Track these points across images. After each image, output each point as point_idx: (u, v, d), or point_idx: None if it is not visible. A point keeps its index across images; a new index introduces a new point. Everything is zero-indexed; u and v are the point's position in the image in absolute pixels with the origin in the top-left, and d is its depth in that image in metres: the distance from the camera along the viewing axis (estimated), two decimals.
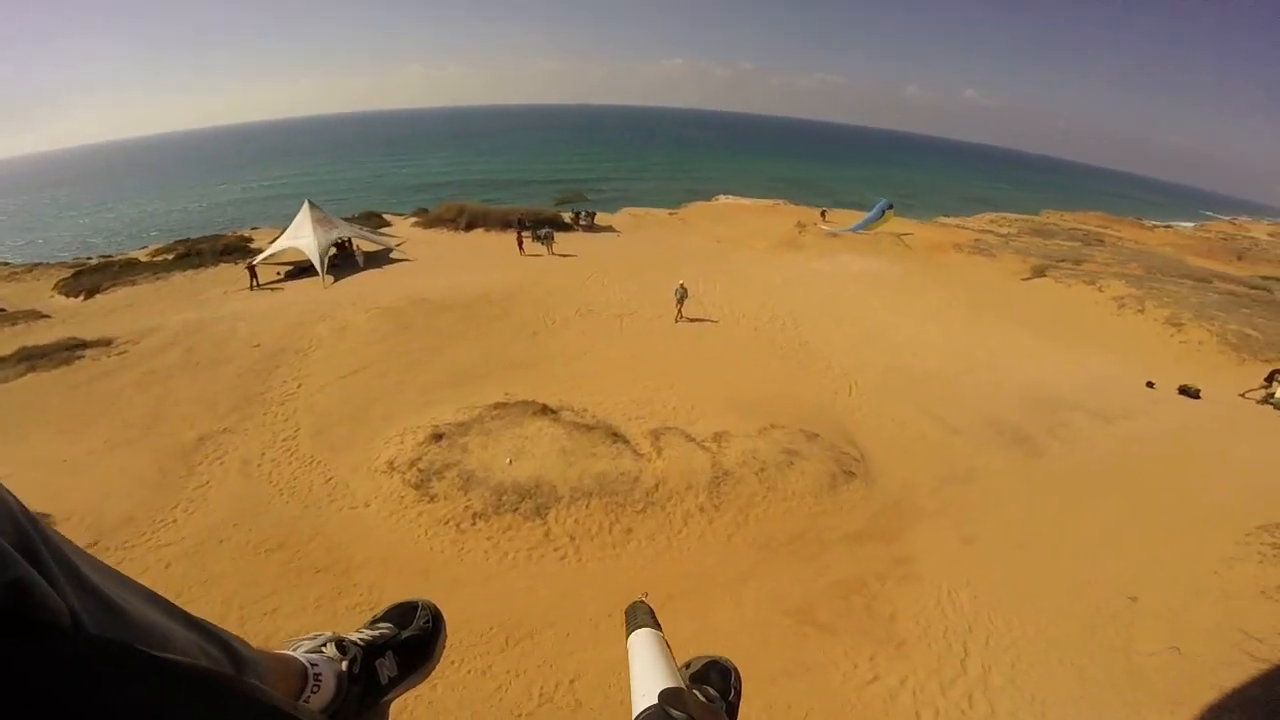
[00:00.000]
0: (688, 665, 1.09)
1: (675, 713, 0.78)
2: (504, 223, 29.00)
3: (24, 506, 0.46)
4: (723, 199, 47.68)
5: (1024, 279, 25.37)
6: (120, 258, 29.24)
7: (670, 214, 39.23)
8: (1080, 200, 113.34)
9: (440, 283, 21.41)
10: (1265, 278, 34.20)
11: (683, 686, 0.88)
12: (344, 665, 0.88)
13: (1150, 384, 16.34)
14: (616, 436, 11.76)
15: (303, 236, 24.62)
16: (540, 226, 27.44)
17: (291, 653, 0.85)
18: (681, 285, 17.84)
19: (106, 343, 16.23)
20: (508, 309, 18.79)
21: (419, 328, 17.27)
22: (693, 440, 11.67)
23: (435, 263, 24.74)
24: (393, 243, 27.93)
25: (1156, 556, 9.41)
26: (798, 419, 12.64)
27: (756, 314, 18.94)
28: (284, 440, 11.93)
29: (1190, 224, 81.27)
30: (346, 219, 30.81)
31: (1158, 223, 74.74)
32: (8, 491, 0.45)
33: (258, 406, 13.11)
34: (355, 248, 24.78)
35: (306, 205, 25.37)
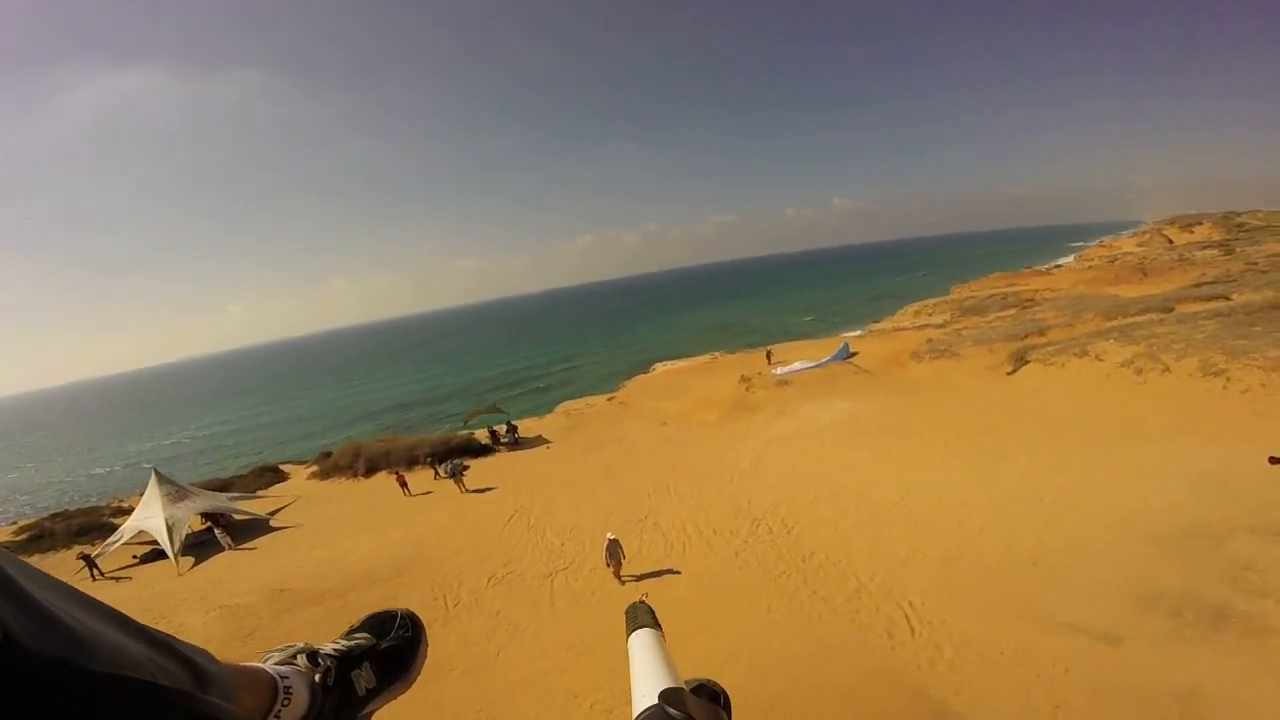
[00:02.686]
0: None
1: (675, 712, 0.75)
2: (409, 459, 24.23)
3: None
4: (660, 367, 45.09)
5: (1008, 372, 22.13)
6: None
7: (609, 399, 35.61)
8: (966, 268, 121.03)
9: (316, 559, 16.10)
10: (1199, 284, 33.91)
11: (683, 686, 0.84)
12: (317, 676, 0.83)
13: (1274, 459, 11.92)
14: None
15: (151, 516, 19.51)
16: (446, 459, 22.75)
17: (261, 665, 0.79)
18: (612, 540, 12.42)
19: None
20: (396, 588, 13.50)
21: (261, 635, 12.17)
22: None
23: (320, 528, 19.31)
24: (276, 505, 22.55)
25: None
26: None
27: (732, 524, 14.04)
28: None
29: (1070, 259, 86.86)
30: (216, 486, 25.56)
31: (1049, 265, 79.20)
32: None
33: None
34: (219, 527, 19.27)
35: (154, 478, 20.72)
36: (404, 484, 21.80)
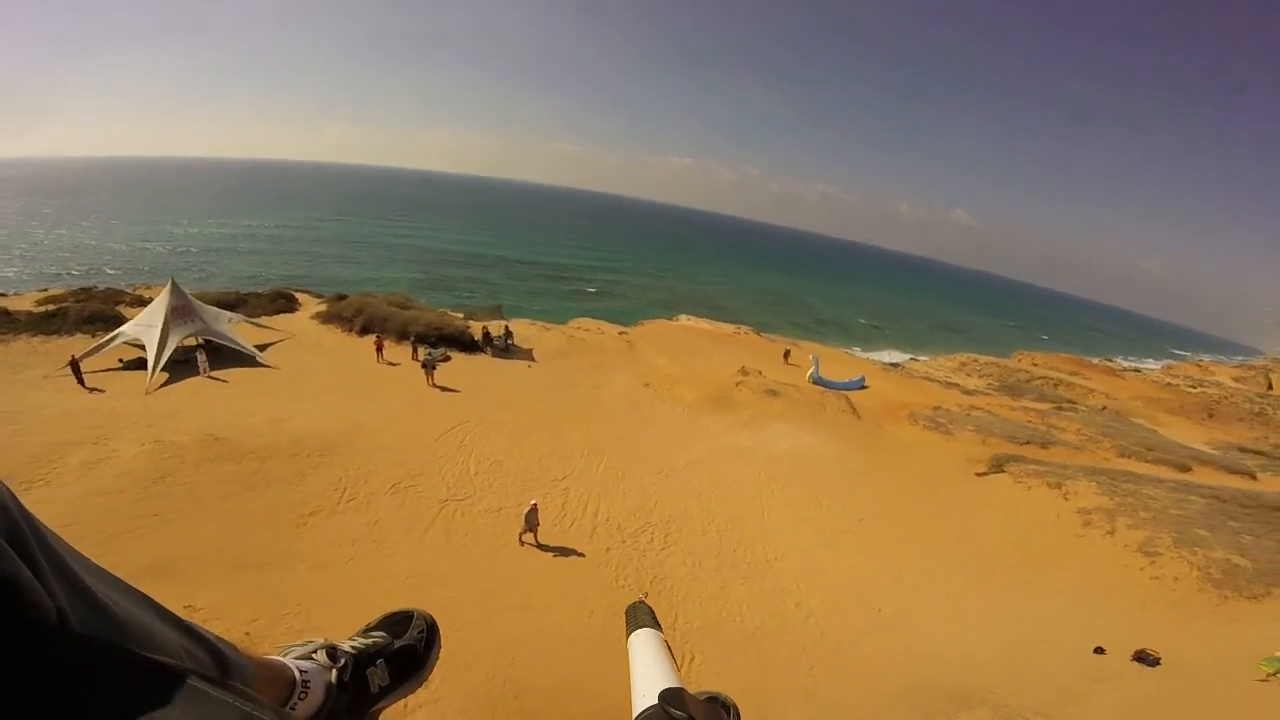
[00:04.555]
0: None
1: (675, 712, 0.75)
2: (401, 333, 25.02)
3: (18, 501, 0.45)
4: (683, 319, 44.57)
5: (979, 473, 21.14)
6: None
7: (620, 333, 35.68)
8: (1053, 332, 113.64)
9: (266, 411, 17.18)
10: (1243, 449, 32.20)
11: (683, 686, 0.84)
12: (333, 673, 0.85)
13: (1099, 649, 11.79)
14: None
15: (150, 325, 20.71)
16: (436, 345, 23.34)
17: (281, 659, 0.82)
18: (534, 507, 12.60)
19: None
20: (311, 466, 14.35)
21: (175, 481, 12.95)
22: None
23: (291, 378, 20.49)
24: (270, 339, 23.87)
25: None
26: None
27: (625, 519, 14.30)
28: None
29: (1158, 365, 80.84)
30: (229, 302, 26.90)
31: (1128, 365, 73.74)
32: (3, 484, 0.45)
33: None
34: (203, 350, 20.36)
35: (168, 286, 21.44)
36: (380, 349, 23.21)
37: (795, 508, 16.28)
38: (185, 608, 9.14)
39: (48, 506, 11.32)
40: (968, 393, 35.22)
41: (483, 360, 25.32)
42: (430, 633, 1.05)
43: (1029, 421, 27.84)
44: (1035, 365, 55.31)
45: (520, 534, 12.67)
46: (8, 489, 0.44)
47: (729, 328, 42.77)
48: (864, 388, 30.33)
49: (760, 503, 16.35)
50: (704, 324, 43.11)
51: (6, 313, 22.81)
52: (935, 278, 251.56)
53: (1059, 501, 18.02)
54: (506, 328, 27.95)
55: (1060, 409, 32.81)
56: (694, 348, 34.34)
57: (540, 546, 12.76)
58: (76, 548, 0.58)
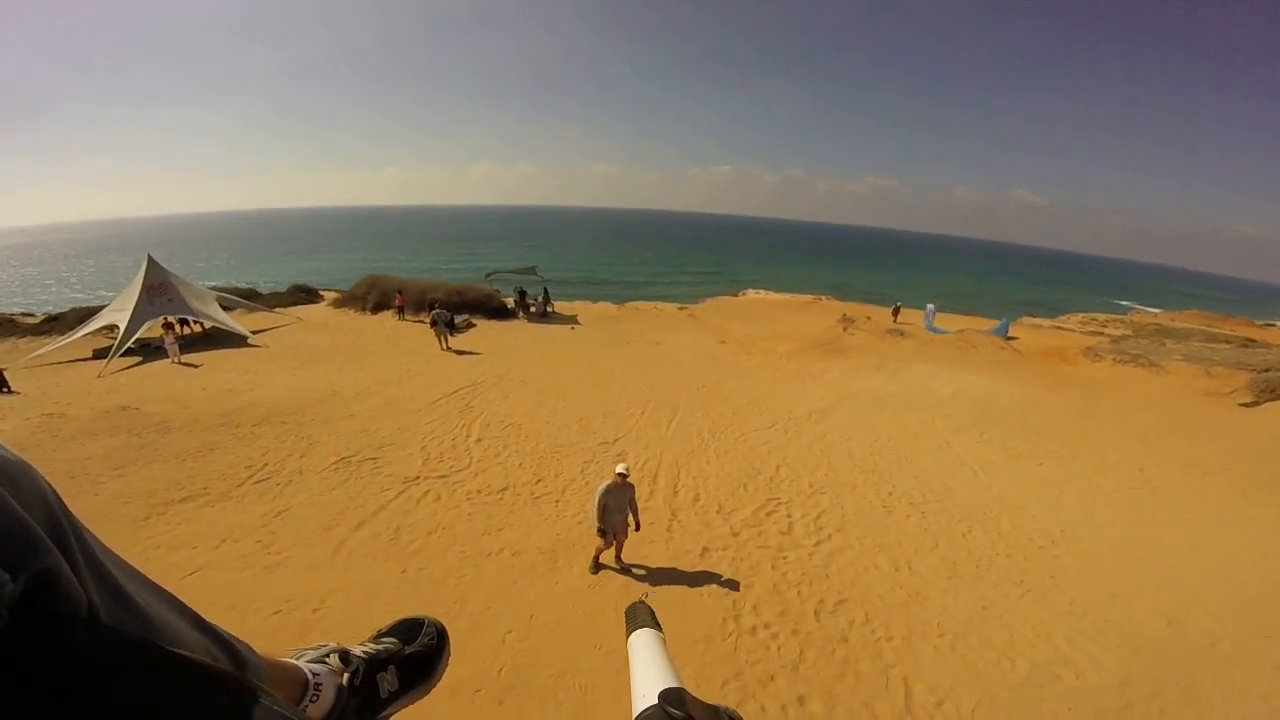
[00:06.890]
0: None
1: (675, 712, 0.73)
2: (418, 303, 20.02)
3: (57, 494, 0.44)
4: (751, 292, 38.04)
5: (1243, 403, 14.11)
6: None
7: (680, 309, 29.60)
8: (1153, 301, 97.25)
9: (220, 384, 12.30)
10: None
11: (682, 686, 0.81)
12: (345, 677, 0.81)
13: None
14: None
15: (121, 310, 16.79)
16: (458, 310, 18.19)
17: (295, 661, 0.79)
18: (620, 482, 5.67)
19: None
20: (232, 439, 9.09)
21: (34, 455, 8.09)
22: None
23: (275, 355, 15.59)
24: (270, 324, 19.27)
25: None
26: None
27: (730, 491, 8.02)
28: None
29: None
30: (242, 292, 22.78)
31: (1264, 321, 60.06)
32: (44, 478, 0.43)
33: None
34: (173, 332, 15.89)
35: (145, 265, 17.37)
36: (401, 308, 20.59)
37: (1022, 461, 9.60)
38: None
39: None
40: (1113, 338, 26.94)
41: (515, 325, 19.83)
42: (440, 640, 0.98)
43: (1236, 354, 19.64)
44: (1166, 321, 44.60)
45: (597, 551, 6.16)
46: (51, 486, 0.42)
47: (804, 296, 35.88)
48: (1007, 336, 22.87)
49: (958, 458, 9.73)
50: (773, 295, 36.45)
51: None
52: (1003, 259, 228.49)
53: None
54: (545, 290, 22.53)
55: (1246, 345, 23.85)
56: (767, 315, 27.81)
57: (612, 565, 6.29)
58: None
